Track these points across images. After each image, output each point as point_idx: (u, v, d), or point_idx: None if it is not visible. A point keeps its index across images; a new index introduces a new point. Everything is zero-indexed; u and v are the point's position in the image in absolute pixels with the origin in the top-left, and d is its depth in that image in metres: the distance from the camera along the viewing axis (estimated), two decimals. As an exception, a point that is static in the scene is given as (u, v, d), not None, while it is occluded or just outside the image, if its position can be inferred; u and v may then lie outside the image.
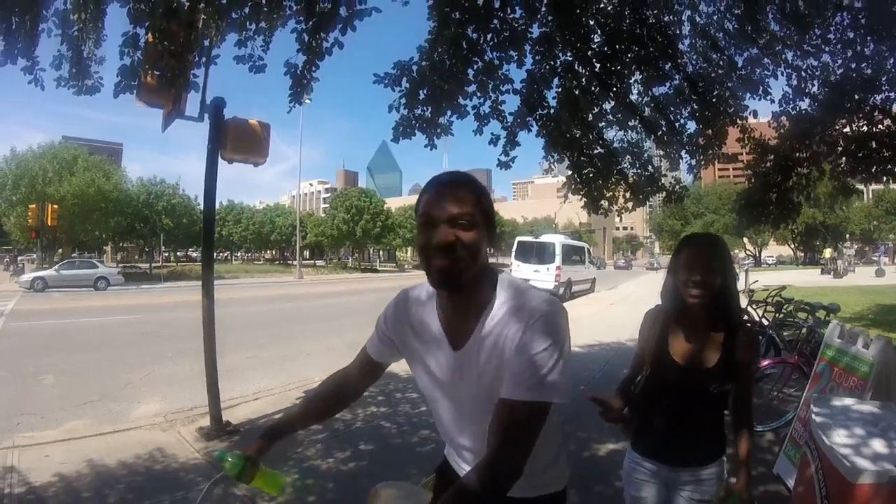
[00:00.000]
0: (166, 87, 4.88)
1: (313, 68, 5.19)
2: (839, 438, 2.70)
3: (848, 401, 3.35)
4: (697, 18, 6.64)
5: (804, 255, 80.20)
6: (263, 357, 10.68)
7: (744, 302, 10.14)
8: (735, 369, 2.22)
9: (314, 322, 17.11)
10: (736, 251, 75.09)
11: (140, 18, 4.45)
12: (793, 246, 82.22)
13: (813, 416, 2.99)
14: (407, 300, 1.74)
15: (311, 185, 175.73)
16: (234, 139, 5.53)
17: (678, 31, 6.58)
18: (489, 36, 5.61)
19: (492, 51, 5.75)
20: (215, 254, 60.51)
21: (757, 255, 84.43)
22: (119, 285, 32.55)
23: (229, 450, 1.86)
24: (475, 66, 5.72)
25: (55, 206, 35.22)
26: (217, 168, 5.65)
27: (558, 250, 23.76)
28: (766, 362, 6.37)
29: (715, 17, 6.70)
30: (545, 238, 26.18)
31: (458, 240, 1.42)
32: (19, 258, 54.01)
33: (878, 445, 2.63)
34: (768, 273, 45.55)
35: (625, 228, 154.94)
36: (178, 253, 73.07)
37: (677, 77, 6.58)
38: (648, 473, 2.43)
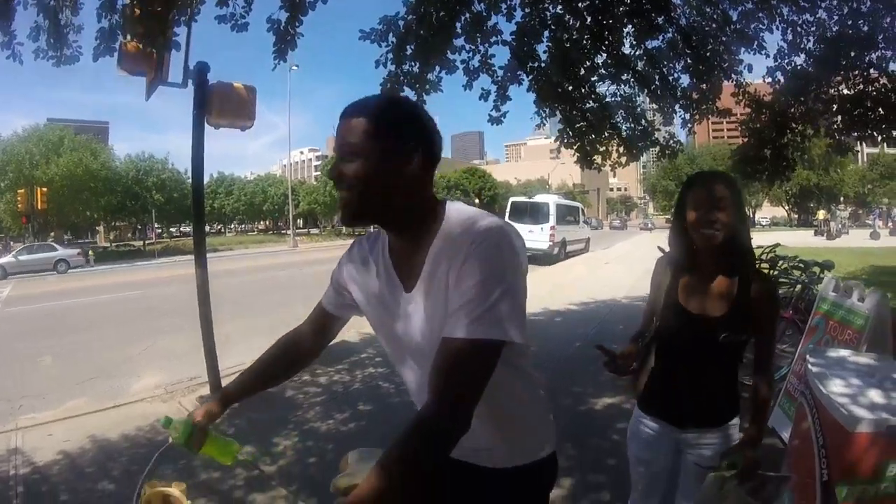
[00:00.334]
0: (147, 53, 4.79)
1: (297, 24, 5.11)
2: (836, 388, 2.69)
3: (843, 352, 3.35)
4: None
5: (798, 217, 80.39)
6: (260, 324, 10.66)
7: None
8: (748, 320, 2.07)
9: (308, 288, 17.12)
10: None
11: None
12: (787, 207, 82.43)
13: (809, 366, 2.99)
14: (361, 245, 1.60)
15: (301, 153, 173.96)
16: (220, 103, 5.38)
17: None
18: None
19: (479, 1, 5.64)
20: (208, 227, 60.01)
21: (751, 216, 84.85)
22: (80, 267, 31.69)
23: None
24: (463, 18, 5.61)
25: (44, 190, 34.90)
26: (203, 134, 5.51)
27: (552, 210, 23.78)
28: None
29: None
30: (539, 198, 26.26)
31: (341, 173, 1.31)
32: (12, 244, 53.82)
33: (875, 396, 2.62)
34: (762, 234, 45.83)
35: (618, 189, 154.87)
36: (171, 228, 72.71)
37: (670, 30, 6.48)
38: (653, 433, 2.31)
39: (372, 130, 1.27)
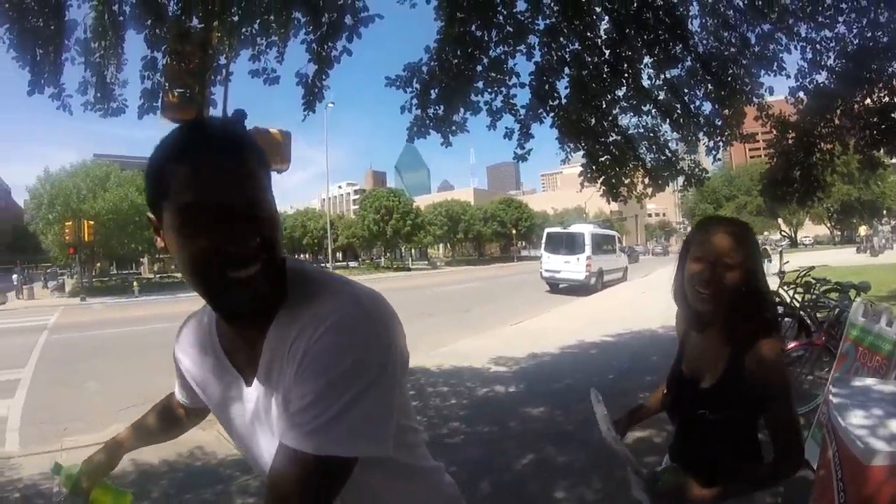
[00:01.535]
0: (188, 103, 5.06)
1: (323, 77, 5.33)
2: (855, 420, 2.65)
3: (869, 381, 3.29)
4: None
5: (841, 234, 78.10)
6: None
7: (775, 284, 10.00)
8: (742, 393, 1.70)
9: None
10: (766, 233, 73.53)
11: (157, 42, 4.62)
12: (829, 225, 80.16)
13: (831, 397, 2.95)
14: (189, 324, 1.33)
15: (339, 187, 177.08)
16: None
17: (686, 11, 6.51)
18: (493, 32, 5.66)
19: (496, 46, 5.80)
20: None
21: (793, 235, 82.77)
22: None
23: None
24: (482, 63, 5.76)
25: (91, 223, 36.15)
26: None
27: (588, 240, 23.61)
28: (792, 345, 6.33)
29: None
30: (574, 228, 26.14)
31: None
32: (59, 273, 55.80)
33: None
34: (803, 254, 44.61)
35: (656, 214, 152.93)
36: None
37: (689, 58, 6.52)
38: None
39: (251, 153, 1.07)
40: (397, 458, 1.09)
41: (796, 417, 1.78)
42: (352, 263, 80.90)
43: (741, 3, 6.52)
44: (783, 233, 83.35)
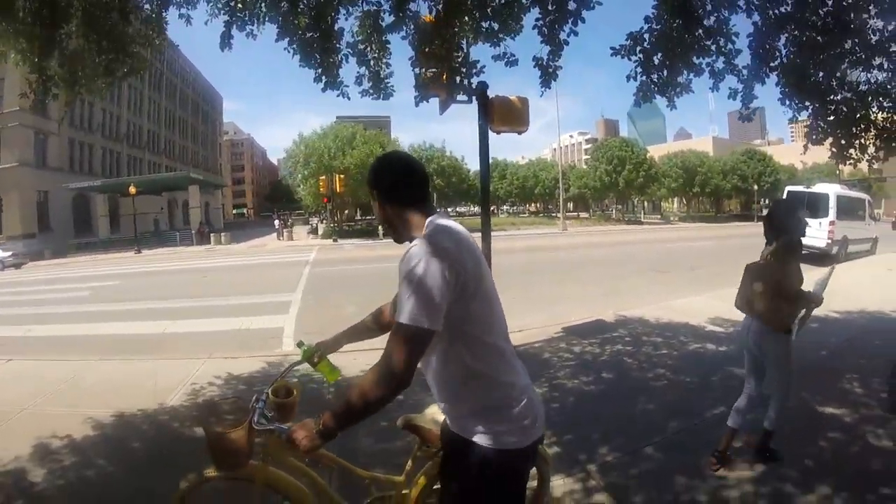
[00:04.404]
0: (440, 79, 6.12)
1: (556, 58, 5.98)
2: None
3: None
4: None
5: None
6: (529, 297, 12.22)
7: None
8: None
9: (575, 270, 18.40)
10: None
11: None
12: None
13: None
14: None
15: (571, 136, 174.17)
16: (500, 114, 6.74)
17: None
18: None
19: (713, 12, 5.88)
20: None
21: None
22: (12, 267, 31.73)
23: None
24: (700, 29, 5.88)
25: (342, 176, 41.53)
26: (488, 139, 6.97)
27: (832, 202, 20.68)
28: None
29: None
30: (818, 188, 23.21)
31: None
32: (310, 219, 64.11)
33: None
34: None
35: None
36: (449, 209, 79.20)
37: None
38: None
39: (371, 179, 2.21)
40: (454, 347, 1.97)
41: None
42: (583, 214, 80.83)
43: None
44: None
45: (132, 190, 39.61)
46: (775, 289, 4.01)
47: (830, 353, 7.16)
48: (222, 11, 5.76)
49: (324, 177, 42.45)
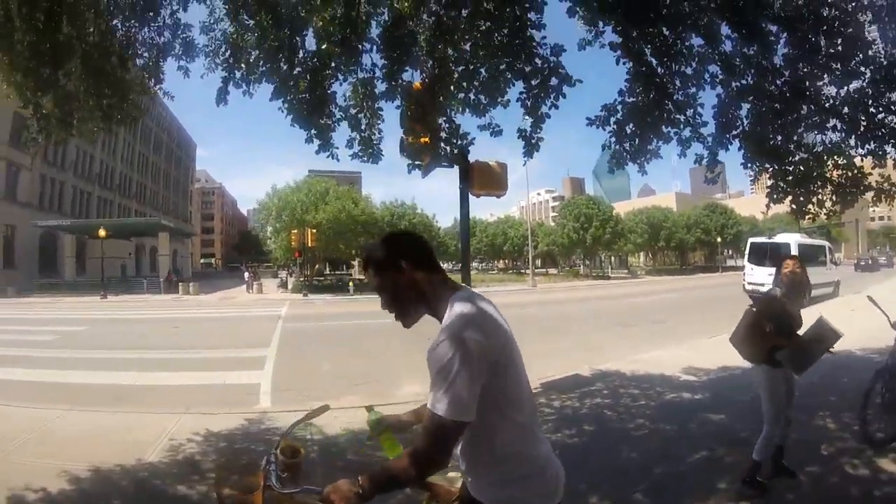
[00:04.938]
0: (423, 145, 6.43)
1: (538, 130, 6.33)
2: None
3: None
4: (879, 1, 6.29)
5: None
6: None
7: None
8: None
9: (547, 325, 18.48)
10: None
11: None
12: None
13: None
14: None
15: (538, 194, 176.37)
16: (480, 179, 7.00)
17: (861, 20, 6.37)
18: (676, 78, 6.25)
19: (681, 89, 6.37)
20: (451, 265, 65.59)
21: None
22: None
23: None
24: (669, 103, 6.36)
25: (313, 231, 41.68)
26: (468, 201, 7.20)
27: (794, 251, 21.78)
28: None
29: None
30: (780, 238, 24.57)
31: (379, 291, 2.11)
32: (279, 273, 63.93)
33: None
34: None
35: (880, 218, 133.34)
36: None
37: (870, 69, 6.38)
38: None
39: (377, 256, 2.13)
40: (485, 426, 1.95)
41: None
42: (551, 270, 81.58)
43: None
44: None
45: (102, 233, 38.78)
46: (747, 327, 4.75)
47: (803, 391, 7.39)
48: (220, 67, 6.01)
49: (296, 230, 42.52)
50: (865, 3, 6.24)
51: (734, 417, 6.61)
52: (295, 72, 6.13)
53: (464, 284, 2.20)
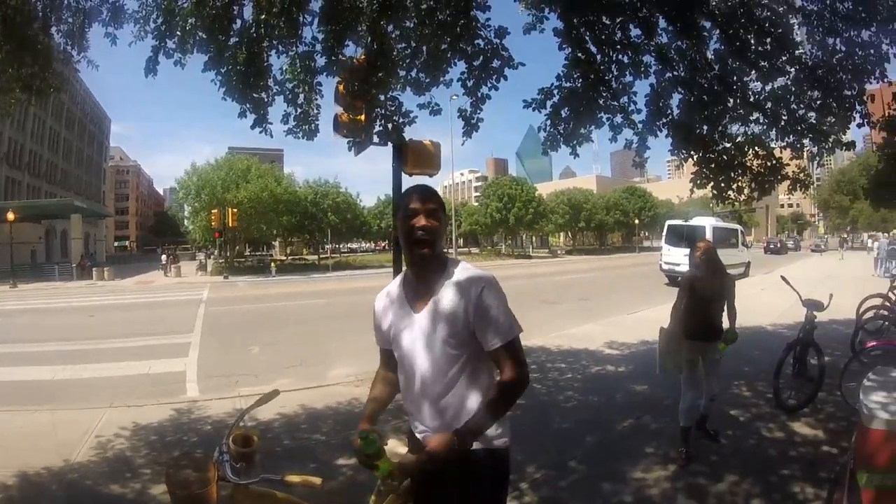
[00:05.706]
0: (357, 121, 6.36)
1: (478, 111, 6.38)
2: (875, 396, 3.21)
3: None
4: (808, 6, 6.74)
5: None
6: None
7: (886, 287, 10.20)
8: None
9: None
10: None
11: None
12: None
13: (865, 381, 3.49)
14: (382, 296, 2.37)
15: (462, 174, 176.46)
16: (414, 158, 6.96)
17: (791, 22, 6.80)
18: (614, 66, 6.50)
19: (617, 78, 6.62)
20: (375, 245, 64.43)
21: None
22: None
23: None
24: (605, 90, 6.58)
25: (234, 210, 40.08)
26: (401, 181, 7.15)
27: (709, 234, 23.39)
28: (870, 343, 7.04)
29: (827, 2, 6.77)
30: (695, 221, 25.89)
31: (431, 225, 2.11)
32: (197, 255, 61.68)
33: None
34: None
35: (789, 206, 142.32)
36: (340, 245, 78.88)
37: (795, 68, 6.85)
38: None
39: (441, 203, 2.19)
40: (485, 359, 2.15)
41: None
42: (473, 250, 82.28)
43: (845, 9, 6.71)
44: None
45: (11, 216, 35.49)
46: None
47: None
48: (151, 35, 5.73)
49: (216, 210, 40.67)
50: (796, 6, 6.69)
51: (656, 387, 6.98)
52: (231, 42, 5.91)
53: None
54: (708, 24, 6.62)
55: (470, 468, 2.08)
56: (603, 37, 6.40)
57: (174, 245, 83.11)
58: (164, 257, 47.32)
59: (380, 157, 7.00)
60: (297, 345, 11.72)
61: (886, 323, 8.46)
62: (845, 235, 71.07)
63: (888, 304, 9.40)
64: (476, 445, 2.07)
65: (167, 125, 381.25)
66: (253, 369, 9.52)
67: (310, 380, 8.23)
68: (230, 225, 39.88)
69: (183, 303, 22.20)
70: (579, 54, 6.40)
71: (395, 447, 2.45)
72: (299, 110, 6.08)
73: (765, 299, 15.29)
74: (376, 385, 2.44)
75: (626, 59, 6.53)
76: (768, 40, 6.61)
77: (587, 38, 6.37)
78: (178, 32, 5.59)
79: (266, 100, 6.13)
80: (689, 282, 5.24)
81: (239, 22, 5.99)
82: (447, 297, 2.09)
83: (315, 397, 7.10)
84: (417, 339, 2.15)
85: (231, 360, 10.33)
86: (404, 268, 2.39)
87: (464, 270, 2.14)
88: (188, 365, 10.09)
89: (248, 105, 6.07)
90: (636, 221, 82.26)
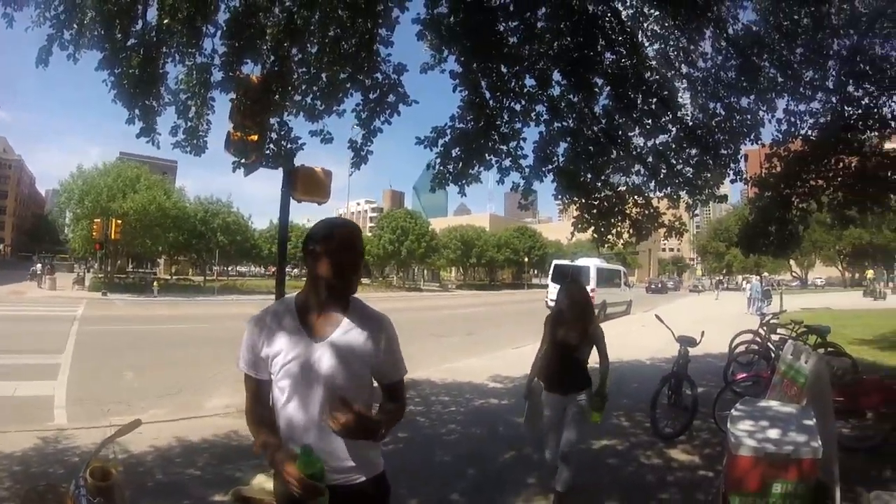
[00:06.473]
0: (249, 142, 6.22)
1: (369, 143, 6.48)
2: (742, 425, 3.63)
3: (774, 403, 4.27)
4: (694, 73, 7.50)
5: (852, 276, 76.83)
6: None
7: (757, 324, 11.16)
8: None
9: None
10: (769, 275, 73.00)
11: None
12: (841, 267, 79.36)
13: (732, 411, 3.93)
14: (263, 319, 2.23)
15: (358, 204, 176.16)
16: (304, 184, 6.76)
17: (677, 85, 7.49)
18: (505, 113, 6.77)
19: (508, 123, 6.91)
20: (264, 269, 62.06)
21: (803, 276, 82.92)
22: None
23: None
24: (496, 133, 6.85)
25: (119, 221, 37.20)
26: (289, 206, 6.96)
27: (593, 273, 24.80)
28: (741, 375, 7.61)
29: (712, 71, 7.55)
30: (581, 262, 27.23)
31: (360, 265, 2.26)
32: (76, 267, 57.34)
33: (773, 433, 3.52)
34: (811, 295, 44.82)
35: (670, 250, 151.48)
36: (228, 268, 75.77)
37: (676, 127, 7.50)
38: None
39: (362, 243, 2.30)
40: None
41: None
42: (364, 280, 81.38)
43: (728, 78, 7.46)
44: (794, 274, 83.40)
45: None
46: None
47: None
48: (49, 23, 5.41)
49: (99, 219, 37.72)
50: (683, 72, 7.29)
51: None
52: (129, 43, 5.68)
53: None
54: (599, 81, 7.08)
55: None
56: (498, 83, 6.70)
57: (52, 254, 77.08)
58: (38, 266, 43.57)
59: (276, 179, 6.88)
60: (176, 371, 11.04)
61: (756, 356, 9.15)
62: (720, 277, 77.59)
63: (758, 339, 10.15)
64: (360, 478, 2.13)
65: (57, 120, 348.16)
66: (126, 397, 8.79)
67: (186, 410, 7.82)
68: (113, 237, 36.89)
69: (56, 319, 20.34)
70: (474, 98, 6.63)
71: (262, 483, 2.43)
72: (189, 124, 5.91)
73: (644, 335, 16.09)
74: (261, 429, 2.17)
75: (518, 107, 6.89)
76: (654, 100, 7.20)
77: (483, 83, 6.62)
78: (75, 24, 5.29)
79: (156, 108, 5.90)
80: (552, 320, 4.94)
81: (140, 23, 5.79)
82: (354, 328, 2.16)
83: (191, 428, 6.75)
84: (319, 368, 2.09)
85: (103, 385, 9.55)
86: (289, 293, 2.42)
87: (364, 306, 2.27)
88: (56, 389, 9.23)
89: (136, 111, 5.80)
90: (526, 260, 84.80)
